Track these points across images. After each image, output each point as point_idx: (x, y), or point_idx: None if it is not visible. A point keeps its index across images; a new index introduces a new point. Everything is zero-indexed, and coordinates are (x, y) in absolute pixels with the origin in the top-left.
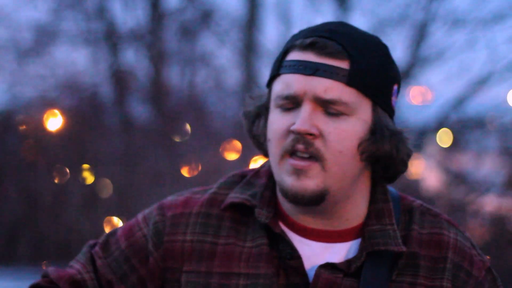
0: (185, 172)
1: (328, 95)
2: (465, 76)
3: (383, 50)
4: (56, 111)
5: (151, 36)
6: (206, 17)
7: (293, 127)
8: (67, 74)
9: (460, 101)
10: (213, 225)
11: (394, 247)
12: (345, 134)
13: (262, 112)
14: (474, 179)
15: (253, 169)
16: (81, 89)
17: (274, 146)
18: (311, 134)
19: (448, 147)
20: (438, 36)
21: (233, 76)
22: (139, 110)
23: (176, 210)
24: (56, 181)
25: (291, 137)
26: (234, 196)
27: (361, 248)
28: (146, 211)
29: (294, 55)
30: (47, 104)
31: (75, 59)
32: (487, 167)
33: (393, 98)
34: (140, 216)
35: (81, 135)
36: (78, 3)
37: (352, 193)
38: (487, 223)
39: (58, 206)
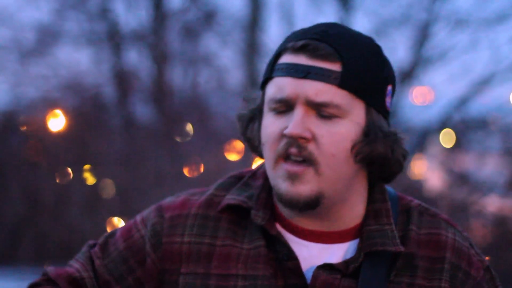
0: (187, 172)
1: (320, 98)
2: (467, 76)
3: (376, 51)
4: (59, 112)
5: (154, 36)
6: (209, 17)
7: (285, 131)
8: (70, 75)
9: (462, 102)
10: (210, 227)
11: (392, 247)
12: (338, 137)
13: (256, 115)
14: (476, 179)
15: (250, 170)
16: (84, 90)
17: (268, 150)
18: (304, 138)
19: (451, 148)
20: (440, 36)
21: (235, 76)
22: (142, 110)
23: (174, 212)
24: (58, 181)
25: (284, 141)
26: (231, 197)
27: (359, 249)
28: (145, 212)
29: (286, 58)
30: (50, 104)
31: (77, 59)
32: (489, 167)
33: (387, 99)
34: (138, 218)
35: (83, 136)
36: (81, 3)
37: (349, 195)
38: (489, 223)
39: (61, 206)
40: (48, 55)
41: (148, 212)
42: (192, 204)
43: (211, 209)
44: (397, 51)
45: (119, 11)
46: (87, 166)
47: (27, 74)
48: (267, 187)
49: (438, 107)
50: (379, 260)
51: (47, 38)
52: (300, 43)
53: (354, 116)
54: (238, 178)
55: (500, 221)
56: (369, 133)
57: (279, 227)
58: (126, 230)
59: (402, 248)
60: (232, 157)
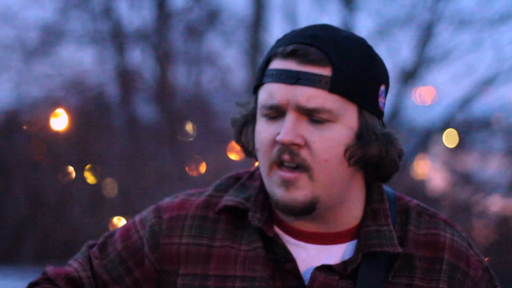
0: (190, 172)
1: (311, 104)
2: (471, 76)
3: (367, 52)
4: (62, 111)
5: (157, 36)
6: (212, 17)
7: (277, 138)
8: (73, 74)
9: (466, 102)
10: (208, 228)
11: (389, 248)
12: (330, 142)
13: (249, 120)
14: (479, 179)
15: (248, 171)
16: (87, 89)
17: (262, 156)
18: (296, 144)
19: (454, 148)
20: (444, 36)
21: (239, 76)
22: (145, 110)
23: (172, 213)
24: (61, 180)
25: (277, 147)
26: (228, 199)
27: (357, 250)
28: (143, 213)
29: (276, 64)
30: (53, 103)
31: (81, 58)
32: (492, 167)
33: (381, 99)
34: (137, 218)
35: (86, 135)
36: (85, 3)
37: (345, 197)
38: (492, 223)
39: (63, 206)
40: (52, 55)
41: (147, 213)
42: (190, 205)
43: (209, 210)
44: (400, 51)
45: (123, 11)
46: (90, 166)
47: (30, 73)
48: (264, 188)
49: (441, 107)
50: (377, 261)
51: (50, 37)
52: (290, 48)
53: (346, 120)
54: (236, 179)
55: (503, 221)
56: (362, 136)
57: (277, 229)
58: (124, 230)
59: (400, 249)
60: (235, 156)
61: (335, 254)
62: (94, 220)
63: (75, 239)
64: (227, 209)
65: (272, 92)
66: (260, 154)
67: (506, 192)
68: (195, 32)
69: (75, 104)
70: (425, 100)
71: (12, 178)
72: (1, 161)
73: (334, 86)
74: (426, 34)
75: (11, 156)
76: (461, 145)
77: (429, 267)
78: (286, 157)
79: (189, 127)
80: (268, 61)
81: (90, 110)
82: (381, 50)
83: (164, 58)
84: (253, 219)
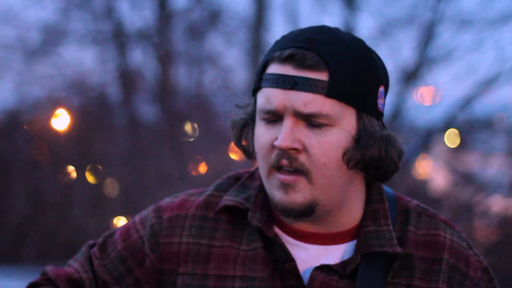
0: (192, 172)
1: (308, 109)
2: (472, 76)
3: (365, 54)
4: (63, 111)
5: (159, 36)
6: (214, 17)
7: (275, 143)
8: (75, 74)
9: (467, 102)
10: (209, 228)
11: (389, 249)
12: (328, 146)
13: (248, 123)
14: (481, 179)
15: (248, 171)
16: (89, 89)
17: (261, 160)
18: (294, 149)
19: (456, 148)
20: (445, 36)
21: (240, 76)
22: (146, 110)
23: (172, 212)
24: (63, 180)
25: (276, 152)
26: (228, 199)
27: (357, 250)
28: (143, 212)
29: (273, 68)
30: (55, 103)
31: (82, 59)
32: (494, 167)
33: (380, 101)
34: (137, 218)
35: (88, 135)
36: (86, 3)
37: (345, 199)
38: (494, 223)
39: (65, 206)
40: (53, 55)
41: (147, 212)
42: (191, 204)
43: (209, 210)
44: (401, 51)
45: (124, 11)
46: (91, 166)
47: (31, 73)
48: (264, 189)
49: (442, 107)
50: (376, 261)
51: (52, 37)
52: (287, 52)
53: (344, 124)
54: (236, 178)
55: (504, 221)
56: (360, 139)
57: (276, 229)
58: (125, 230)
59: (399, 249)
60: (236, 157)
61: (335, 254)
62: (95, 220)
63: (76, 239)
64: (227, 209)
65: (269, 97)
66: (259, 157)
67: (508, 192)
68: (196, 32)
69: (76, 104)
70: (427, 100)
71: (13, 178)
72: (2, 161)
73: (331, 90)
74: (428, 34)
75: (12, 156)
76: (462, 145)
77: (428, 268)
78: (284, 162)
79: (190, 127)
80: (265, 64)
81: (91, 110)
82: (382, 50)
83: (165, 58)
84: (253, 219)
